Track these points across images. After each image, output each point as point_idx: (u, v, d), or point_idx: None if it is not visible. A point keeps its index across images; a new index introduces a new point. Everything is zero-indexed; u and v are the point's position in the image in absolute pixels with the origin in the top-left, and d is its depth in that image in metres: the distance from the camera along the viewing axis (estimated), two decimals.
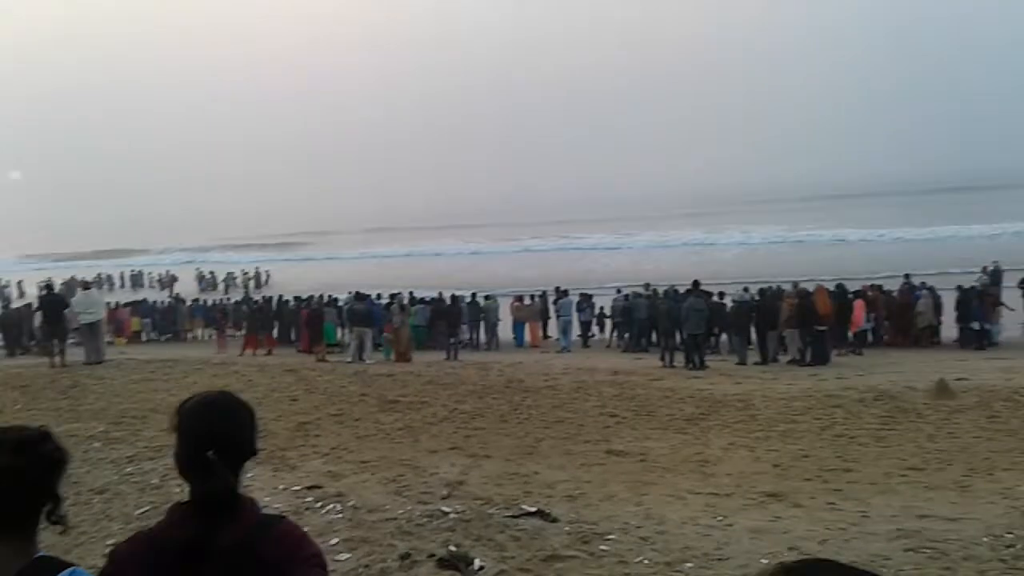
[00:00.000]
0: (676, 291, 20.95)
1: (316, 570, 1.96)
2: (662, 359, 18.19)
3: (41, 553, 1.88)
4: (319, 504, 6.83)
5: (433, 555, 5.39)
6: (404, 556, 5.42)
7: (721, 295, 20.55)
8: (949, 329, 20.35)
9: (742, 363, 17.94)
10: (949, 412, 10.64)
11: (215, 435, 1.98)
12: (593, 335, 23.86)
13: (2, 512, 1.83)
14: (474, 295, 24.29)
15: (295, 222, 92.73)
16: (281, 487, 7.48)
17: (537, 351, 22.22)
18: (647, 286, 24.19)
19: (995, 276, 22.84)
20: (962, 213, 54.36)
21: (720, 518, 6.54)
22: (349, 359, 19.74)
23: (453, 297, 23.47)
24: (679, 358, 17.91)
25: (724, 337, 20.53)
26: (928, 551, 5.48)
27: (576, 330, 23.50)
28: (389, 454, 9.24)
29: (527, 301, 24.33)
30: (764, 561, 5.41)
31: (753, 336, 19.11)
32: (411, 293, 24.95)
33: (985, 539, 5.69)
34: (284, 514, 2.25)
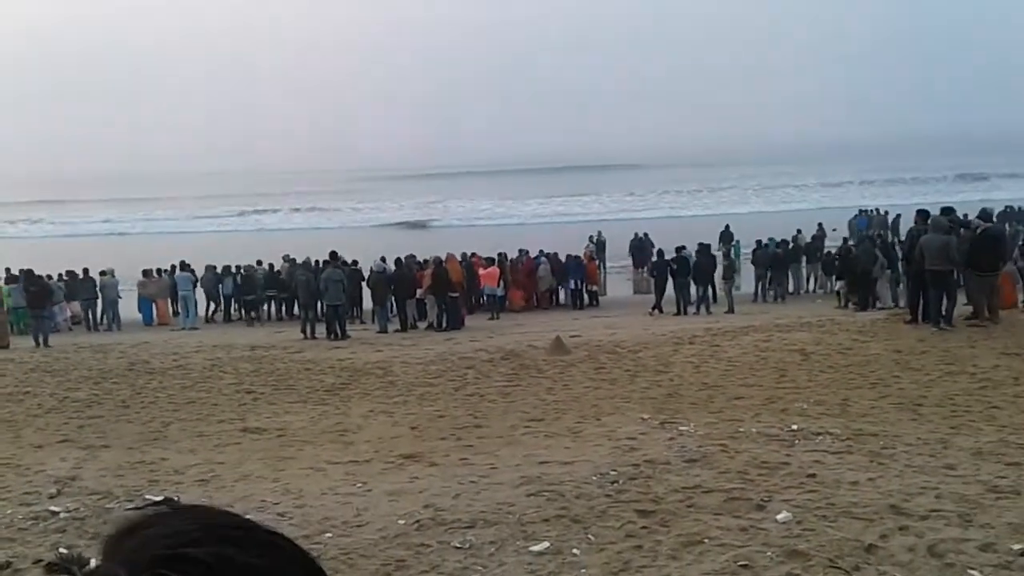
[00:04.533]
0: (316, 263, 20.73)
1: None
2: (303, 331, 17.91)
3: None
4: None
5: (40, 560, 4.80)
6: (4, 565, 4.79)
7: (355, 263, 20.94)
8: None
9: (383, 331, 18.27)
10: (564, 366, 11.77)
11: None
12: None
13: None
14: (86, 270, 21.84)
15: None
16: None
17: (166, 329, 20.70)
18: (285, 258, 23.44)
19: (600, 245, 26.68)
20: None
21: (359, 485, 6.59)
22: None
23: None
24: (320, 329, 17.78)
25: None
26: (547, 494, 6.00)
27: (202, 307, 22.19)
28: None
29: (155, 276, 22.46)
30: (401, 522, 5.55)
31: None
32: (7, 270, 21.76)
33: (594, 478, 6.36)
34: None
